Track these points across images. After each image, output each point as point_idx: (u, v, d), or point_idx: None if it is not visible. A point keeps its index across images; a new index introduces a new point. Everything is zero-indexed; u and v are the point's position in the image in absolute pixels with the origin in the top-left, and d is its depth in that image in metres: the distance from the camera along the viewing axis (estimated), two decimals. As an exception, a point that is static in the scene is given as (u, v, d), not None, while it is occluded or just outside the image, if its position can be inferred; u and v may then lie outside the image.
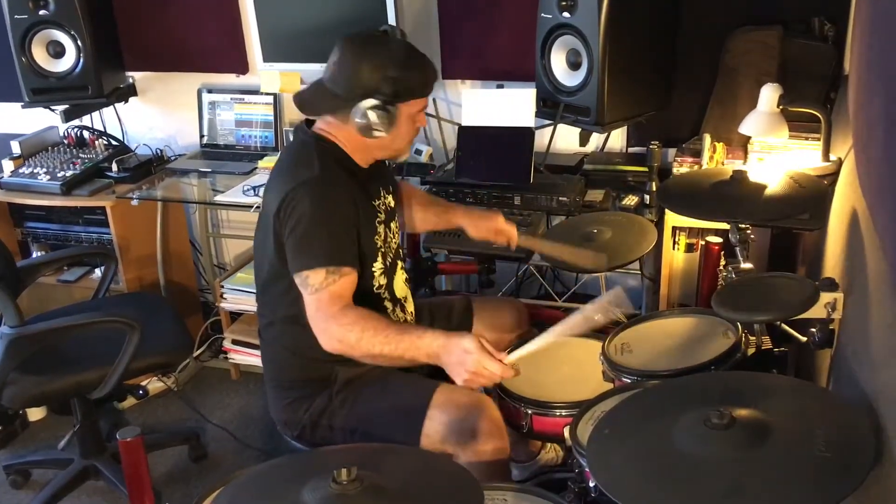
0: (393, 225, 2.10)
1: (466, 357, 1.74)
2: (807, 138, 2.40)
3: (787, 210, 1.94)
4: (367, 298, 1.96)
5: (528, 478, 2.34)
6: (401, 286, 2.13)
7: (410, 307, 2.17)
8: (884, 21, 1.36)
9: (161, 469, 2.81)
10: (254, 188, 2.87)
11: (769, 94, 2.27)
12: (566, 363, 2.14)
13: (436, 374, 1.93)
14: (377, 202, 2.03)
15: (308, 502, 1.26)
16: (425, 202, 2.35)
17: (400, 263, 2.15)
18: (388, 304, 2.05)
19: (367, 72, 1.83)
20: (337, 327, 1.82)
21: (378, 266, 1.99)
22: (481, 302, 2.35)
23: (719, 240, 2.38)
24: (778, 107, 2.27)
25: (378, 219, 2.00)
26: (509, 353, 1.82)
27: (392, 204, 2.11)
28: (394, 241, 2.09)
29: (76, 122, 3.34)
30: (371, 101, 1.84)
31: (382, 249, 2.01)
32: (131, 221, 3.13)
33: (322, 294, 1.83)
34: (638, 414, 1.45)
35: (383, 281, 2.01)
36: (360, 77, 1.84)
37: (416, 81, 1.88)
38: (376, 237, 1.99)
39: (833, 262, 2.04)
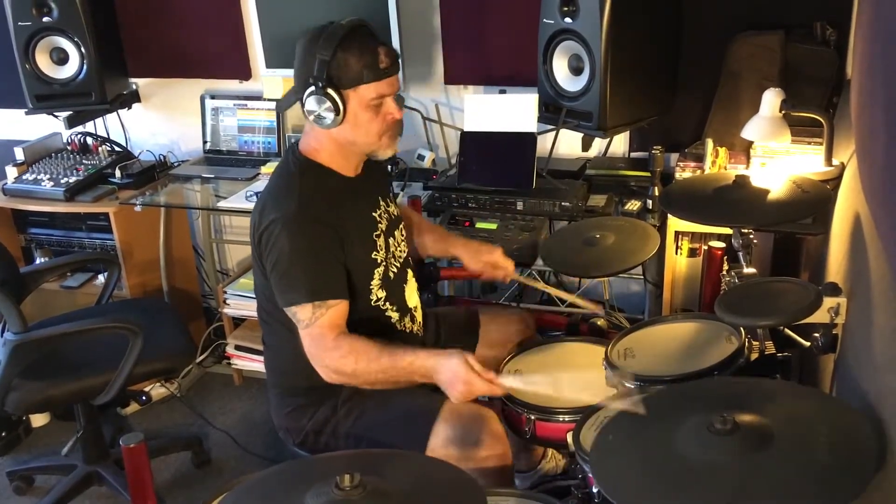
0: (397, 234, 2.09)
1: (455, 377, 1.79)
2: (809, 143, 2.40)
3: (790, 214, 1.93)
4: (366, 314, 1.97)
5: (529, 487, 2.34)
6: (412, 295, 2.13)
7: (419, 316, 2.17)
8: (885, 25, 1.36)
9: (164, 475, 2.81)
10: (256, 194, 2.87)
11: (771, 99, 2.27)
12: (569, 369, 2.14)
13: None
14: (377, 213, 2.02)
15: (311, 508, 1.26)
16: (424, 228, 2.35)
17: (410, 272, 2.15)
18: (394, 315, 2.05)
19: (304, 60, 1.84)
20: (332, 360, 1.85)
21: (376, 282, 1.99)
22: (487, 313, 2.35)
23: (722, 244, 2.38)
24: (780, 111, 2.27)
25: (377, 231, 2.00)
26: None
27: (395, 212, 2.11)
28: (399, 250, 2.09)
29: (80, 128, 3.35)
30: (310, 89, 1.83)
31: (385, 262, 2.01)
32: (134, 227, 3.14)
33: (313, 329, 1.85)
34: (641, 419, 1.44)
35: (382, 294, 2.01)
36: (300, 67, 1.85)
37: (354, 66, 1.82)
38: (375, 253, 1.98)
39: (836, 266, 2.04)
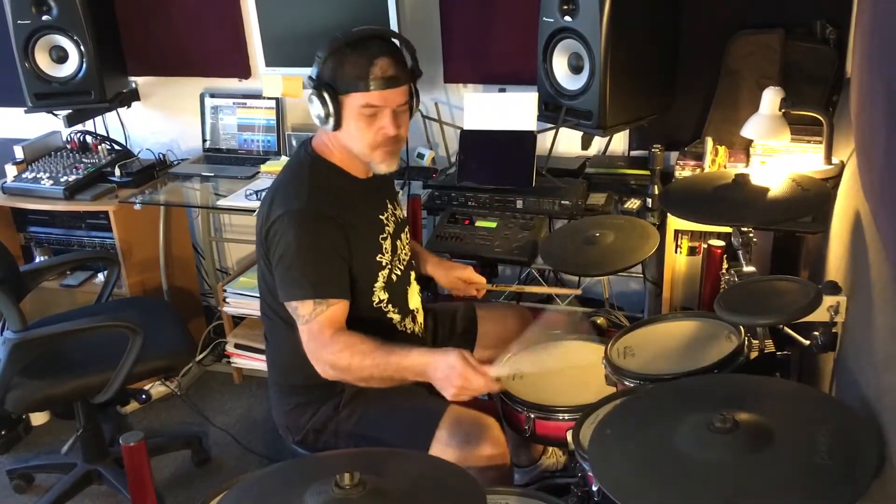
0: (403, 236, 2.10)
1: (452, 372, 1.77)
2: (809, 141, 2.40)
3: (790, 213, 1.93)
4: (368, 314, 1.97)
5: (529, 483, 2.34)
6: (415, 297, 2.13)
7: (421, 318, 2.17)
8: (885, 24, 1.36)
9: (164, 473, 2.82)
10: (256, 192, 2.87)
11: (771, 98, 2.26)
12: (569, 367, 2.14)
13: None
14: (384, 215, 2.03)
15: (310, 507, 1.26)
16: None
17: (413, 274, 2.15)
18: (395, 316, 2.06)
19: (316, 60, 1.87)
20: (328, 355, 1.85)
21: (379, 284, 1.99)
22: (485, 309, 2.35)
23: (722, 243, 2.38)
24: (780, 110, 2.27)
25: (383, 234, 2.01)
26: (506, 360, 1.93)
27: (402, 215, 2.12)
28: (403, 252, 2.09)
29: (79, 126, 3.35)
30: (308, 90, 1.86)
31: (389, 264, 2.02)
32: (134, 226, 3.14)
33: (312, 325, 1.86)
34: (640, 417, 1.44)
35: (384, 296, 2.01)
36: (314, 67, 1.88)
37: (347, 73, 1.83)
38: (380, 256, 1.99)
39: (836, 265, 2.04)
